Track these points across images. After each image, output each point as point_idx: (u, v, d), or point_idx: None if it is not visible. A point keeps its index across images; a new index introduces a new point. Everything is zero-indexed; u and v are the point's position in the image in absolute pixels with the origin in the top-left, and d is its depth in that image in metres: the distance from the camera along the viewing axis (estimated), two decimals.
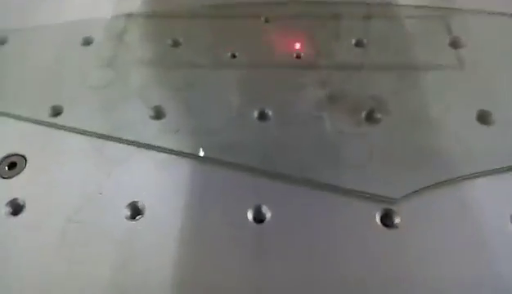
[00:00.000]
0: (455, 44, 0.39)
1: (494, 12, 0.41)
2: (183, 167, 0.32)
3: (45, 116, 0.35)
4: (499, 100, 0.35)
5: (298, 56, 0.39)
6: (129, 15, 0.44)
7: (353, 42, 0.40)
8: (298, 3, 0.44)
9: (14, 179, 0.32)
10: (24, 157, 0.33)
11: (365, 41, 0.40)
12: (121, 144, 0.33)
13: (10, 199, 0.30)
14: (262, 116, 0.35)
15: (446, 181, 0.30)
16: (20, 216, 0.30)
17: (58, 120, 0.35)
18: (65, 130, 0.35)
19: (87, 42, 0.42)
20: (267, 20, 0.43)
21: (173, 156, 0.33)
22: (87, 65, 0.39)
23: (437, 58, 0.38)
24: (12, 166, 0.32)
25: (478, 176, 0.30)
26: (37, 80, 0.39)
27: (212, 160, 0.32)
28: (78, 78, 0.38)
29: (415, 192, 0.29)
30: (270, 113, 0.35)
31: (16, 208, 0.30)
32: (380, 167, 0.31)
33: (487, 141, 0.32)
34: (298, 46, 0.40)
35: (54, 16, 0.44)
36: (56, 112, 0.36)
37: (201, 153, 0.32)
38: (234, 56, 0.40)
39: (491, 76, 0.36)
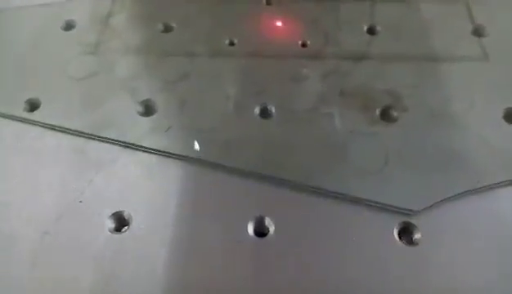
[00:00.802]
0: (478, 32, 0.35)
1: None
2: (175, 171, 0.28)
3: (20, 110, 0.32)
4: None
5: (303, 44, 0.35)
6: None
7: (365, 28, 0.36)
8: None
9: None
10: None
11: (378, 27, 0.36)
12: (105, 144, 0.30)
13: None
14: (265, 112, 0.31)
15: (471, 191, 0.26)
16: None
17: (35, 115, 0.31)
18: (42, 126, 0.31)
19: (69, 25, 0.38)
20: (268, 3, 0.39)
21: (164, 158, 0.29)
22: (69, 52, 0.35)
23: (459, 48, 0.34)
24: None
25: (507, 185, 0.27)
26: (11, 69, 0.35)
27: (207, 163, 0.28)
28: (58, 67, 0.34)
29: (437, 203, 0.26)
30: (273, 109, 0.31)
31: None
32: (397, 174, 0.27)
33: None
34: (303, 32, 0.36)
35: None
36: (33, 106, 0.32)
37: (196, 147, 0.29)
38: (232, 44, 0.36)
39: None
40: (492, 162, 0.28)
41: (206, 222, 0.26)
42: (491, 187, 0.27)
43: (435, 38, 0.35)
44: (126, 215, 0.26)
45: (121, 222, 0.26)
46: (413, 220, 0.25)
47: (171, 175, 0.28)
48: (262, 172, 0.28)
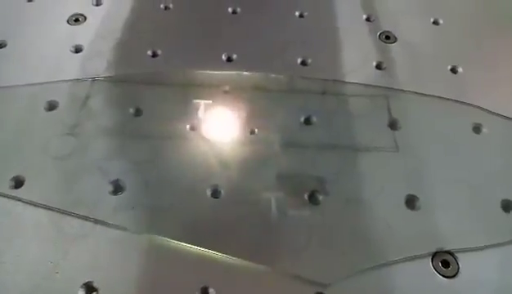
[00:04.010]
0: (393, 125, 0.43)
1: (432, 95, 0.46)
2: (137, 246, 0.34)
3: (6, 187, 0.37)
4: (426, 185, 0.39)
5: (252, 132, 0.42)
6: (94, 80, 0.46)
7: (302, 119, 0.43)
8: (258, 76, 0.47)
9: None
10: None
11: (313, 118, 0.43)
12: (79, 220, 0.36)
13: None
14: (215, 194, 0.38)
15: (374, 267, 0.34)
16: None
17: (19, 192, 0.37)
18: (25, 202, 0.36)
19: (52, 106, 0.43)
20: (226, 91, 0.46)
21: (128, 234, 0.35)
22: (50, 132, 0.41)
23: (377, 139, 0.42)
24: None
25: (401, 262, 0.34)
26: None
27: (165, 239, 0.35)
28: (40, 147, 0.40)
29: (346, 277, 0.33)
30: (222, 191, 0.38)
31: None
32: (317, 251, 0.34)
33: (412, 227, 0.36)
34: (252, 121, 0.43)
35: (17, 77, 0.45)
36: (18, 183, 0.37)
37: None
38: (192, 129, 0.42)
39: (420, 160, 0.41)
40: (392, 242, 0.35)
41: (161, 292, 0.32)
42: (391, 263, 0.34)
43: (358, 130, 0.43)
44: (95, 285, 0.32)
45: (90, 291, 0.32)
46: (326, 291, 0.32)
47: (133, 249, 0.34)
48: (211, 248, 0.34)
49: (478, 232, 0.36)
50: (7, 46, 0.48)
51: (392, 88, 0.46)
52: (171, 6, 0.53)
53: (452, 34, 0.53)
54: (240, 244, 0.35)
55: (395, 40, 0.52)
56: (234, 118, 0.43)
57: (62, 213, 0.36)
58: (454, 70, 0.49)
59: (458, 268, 0.34)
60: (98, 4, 0.53)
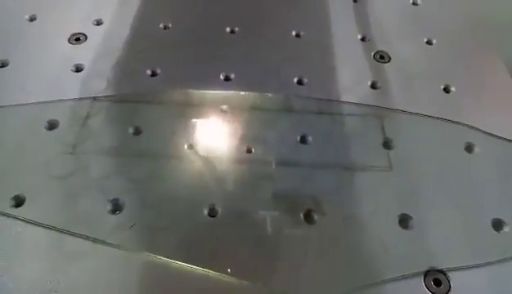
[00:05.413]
0: (387, 145, 0.44)
1: (425, 115, 0.47)
2: (136, 265, 0.35)
3: (6, 206, 0.38)
4: (418, 204, 0.40)
5: (249, 150, 0.43)
6: (94, 99, 0.47)
7: (298, 138, 0.44)
8: (255, 95, 0.48)
9: None
10: None
11: (309, 137, 0.44)
12: (79, 239, 0.36)
13: None
14: (212, 213, 0.38)
15: (368, 285, 0.34)
16: None
17: (19, 211, 0.37)
18: (25, 221, 0.37)
19: (52, 125, 0.44)
20: (223, 110, 0.47)
21: (127, 252, 0.36)
22: (51, 152, 0.42)
23: (371, 159, 0.43)
24: None
25: (394, 280, 0.35)
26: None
27: (163, 258, 0.35)
28: (41, 166, 0.40)
29: None
30: (219, 210, 0.38)
31: None
32: (312, 270, 0.35)
33: (405, 246, 0.37)
34: (249, 140, 0.44)
35: (18, 97, 0.46)
36: (18, 202, 0.38)
37: None
38: (190, 147, 0.43)
39: (414, 179, 0.42)
40: (387, 260, 0.36)
41: None
42: (384, 282, 0.35)
43: (353, 149, 0.44)
44: None
45: None
46: None
47: (132, 269, 0.35)
48: (209, 268, 0.35)
49: (470, 251, 0.37)
50: (9, 65, 0.49)
51: (386, 107, 0.48)
52: (170, 25, 0.55)
53: (445, 54, 0.54)
54: (236, 263, 0.35)
55: (389, 60, 0.53)
56: (231, 137, 0.44)
57: (61, 232, 0.36)
58: (447, 90, 0.50)
59: (450, 286, 0.35)
60: (99, 24, 0.54)
